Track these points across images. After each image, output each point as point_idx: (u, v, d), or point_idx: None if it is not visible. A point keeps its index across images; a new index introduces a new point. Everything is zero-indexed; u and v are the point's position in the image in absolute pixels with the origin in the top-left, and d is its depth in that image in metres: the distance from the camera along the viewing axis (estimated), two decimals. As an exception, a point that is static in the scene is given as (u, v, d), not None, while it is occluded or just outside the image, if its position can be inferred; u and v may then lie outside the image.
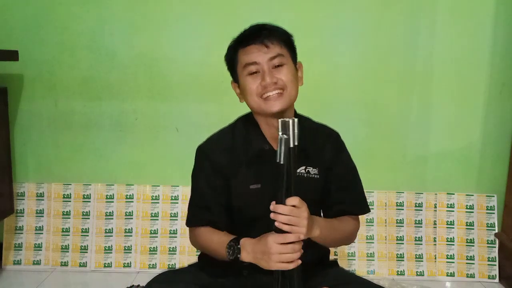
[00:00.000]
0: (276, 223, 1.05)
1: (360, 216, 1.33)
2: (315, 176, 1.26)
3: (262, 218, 1.25)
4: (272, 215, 1.05)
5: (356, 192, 1.33)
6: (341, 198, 1.25)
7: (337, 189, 1.25)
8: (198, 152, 1.31)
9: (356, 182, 1.33)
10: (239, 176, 1.25)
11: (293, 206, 1.05)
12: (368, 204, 1.34)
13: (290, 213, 1.04)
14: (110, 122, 2.14)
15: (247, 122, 1.29)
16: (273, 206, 1.05)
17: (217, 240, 1.21)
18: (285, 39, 1.21)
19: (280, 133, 1.04)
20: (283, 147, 1.03)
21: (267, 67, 1.17)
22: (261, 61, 1.17)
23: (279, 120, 1.04)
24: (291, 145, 1.03)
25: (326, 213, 1.31)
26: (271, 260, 1.05)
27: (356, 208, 1.32)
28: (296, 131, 1.03)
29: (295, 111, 1.29)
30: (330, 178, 1.28)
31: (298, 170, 1.24)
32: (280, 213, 1.04)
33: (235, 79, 1.26)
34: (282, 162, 1.04)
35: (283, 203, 1.05)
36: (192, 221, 1.29)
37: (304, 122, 1.28)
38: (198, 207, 1.28)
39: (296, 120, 1.03)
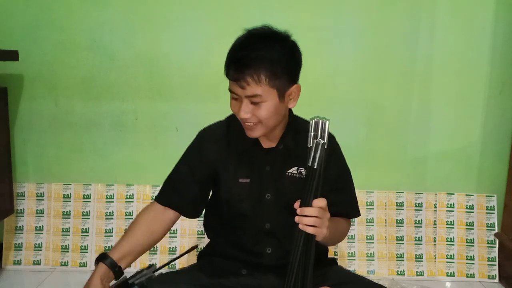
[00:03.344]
0: (300, 226, 1.04)
1: (360, 216, 1.33)
2: None
3: (252, 218, 1.25)
4: (297, 218, 1.05)
5: (349, 195, 1.34)
6: (334, 200, 1.25)
7: (330, 190, 1.24)
8: (196, 136, 1.33)
9: (350, 185, 1.34)
10: (229, 168, 1.26)
11: (320, 207, 1.05)
12: (368, 204, 1.34)
13: (318, 215, 1.04)
14: (110, 122, 2.14)
15: None
16: (300, 209, 1.05)
17: (134, 225, 1.26)
18: (269, 74, 1.11)
19: (312, 134, 1.04)
20: (318, 152, 1.02)
21: (244, 102, 1.14)
22: (239, 94, 1.14)
23: (312, 121, 1.04)
24: (325, 147, 1.03)
25: None
26: None
27: (349, 211, 1.32)
28: (328, 132, 1.03)
29: (291, 112, 1.28)
30: (324, 179, 1.28)
31: (290, 171, 1.25)
32: (306, 215, 1.04)
33: None
34: (315, 167, 1.03)
35: (310, 205, 1.05)
36: (158, 197, 1.32)
37: (297, 123, 1.28)
38: (169, 187, 1.32)
39: (328, 122, 1.03)
